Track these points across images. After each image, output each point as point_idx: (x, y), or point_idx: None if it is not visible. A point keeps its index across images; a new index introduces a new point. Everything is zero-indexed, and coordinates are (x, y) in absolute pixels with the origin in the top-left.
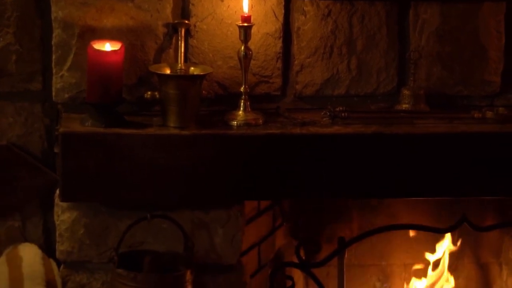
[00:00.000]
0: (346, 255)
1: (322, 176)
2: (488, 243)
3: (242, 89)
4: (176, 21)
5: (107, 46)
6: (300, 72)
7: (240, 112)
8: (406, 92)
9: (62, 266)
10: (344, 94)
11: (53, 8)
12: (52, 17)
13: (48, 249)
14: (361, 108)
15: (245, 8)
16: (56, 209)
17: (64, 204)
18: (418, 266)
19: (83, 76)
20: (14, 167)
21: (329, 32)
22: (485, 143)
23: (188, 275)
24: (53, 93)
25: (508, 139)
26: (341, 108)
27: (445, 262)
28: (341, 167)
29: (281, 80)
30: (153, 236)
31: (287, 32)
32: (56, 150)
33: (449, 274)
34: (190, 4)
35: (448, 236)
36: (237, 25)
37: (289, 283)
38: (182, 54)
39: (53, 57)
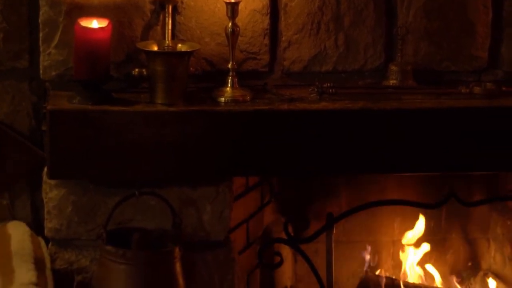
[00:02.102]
0: (334, 231)
1: (310, 152)
2: (476, 218)
3: (229, 65)
4: None
5: (95, 23)
6: (288, 49)
7: (228, 88)
8: (393, 68)
9: (50, 244)
10: (332, 70)
11: None
12: None
13: (36, 227)
14: (348, 84)
15: None
16: (44, 186)
17: (52, 182)
18: (406, 242)
19: (70, 53)
20: (2, 146)
21: (316, 8)
22: (472, 118)
23: (177, 252)
24: (41, 71)
25: (495, 114)
26: (328, 84)
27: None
28: (329, 143)
29: (269, 56)
30: (141, 213)
31: (274, 8)
32: (44, 128)
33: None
34: None
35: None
36: (224, 1)
37: (278, 259)
38: (170, 31)
39: (40, 34)
